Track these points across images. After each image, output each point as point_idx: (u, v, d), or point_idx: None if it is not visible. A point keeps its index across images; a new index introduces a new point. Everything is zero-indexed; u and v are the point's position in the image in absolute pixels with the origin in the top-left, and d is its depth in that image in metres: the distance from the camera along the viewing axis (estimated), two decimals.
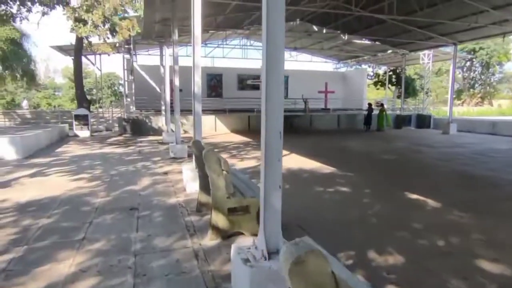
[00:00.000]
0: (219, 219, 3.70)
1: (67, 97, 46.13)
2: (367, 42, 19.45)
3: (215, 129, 17.21)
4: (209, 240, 3.73)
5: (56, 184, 6.34)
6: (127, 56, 18.77)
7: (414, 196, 5.57)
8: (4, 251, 3.49)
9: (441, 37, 16.44)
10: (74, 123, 15.06)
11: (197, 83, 5.85)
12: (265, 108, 2.51)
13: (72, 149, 10.99)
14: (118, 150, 10.76)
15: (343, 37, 19.14)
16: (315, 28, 18.08)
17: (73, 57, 15.82)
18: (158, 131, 15.92)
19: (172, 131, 13.30)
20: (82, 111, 15.18)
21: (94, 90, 53.18)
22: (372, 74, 31.96)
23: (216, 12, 12.62)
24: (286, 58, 27.83)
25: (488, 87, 49.36)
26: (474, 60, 44.65)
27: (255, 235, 3.88)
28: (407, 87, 31.26)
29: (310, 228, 4.06)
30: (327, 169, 7.87)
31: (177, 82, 9.34)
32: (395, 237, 3.93)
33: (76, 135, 14.98)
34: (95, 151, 10.67)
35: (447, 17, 13.42)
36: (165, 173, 7.34)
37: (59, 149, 10.97)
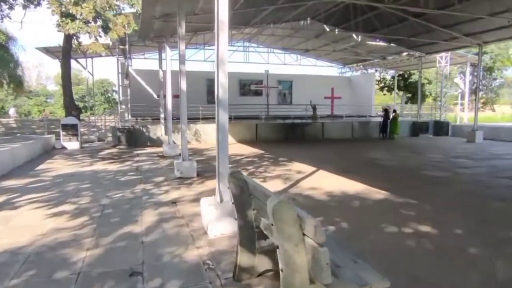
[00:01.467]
0: None
1: (59, 104, 44.99)
2: (381, 43, 18.03)
3: None
4: None
5: (26, 223, 4.63)
6: (122, 59, 17.12)
7: None
8: None
9: (465, 37, 15.06)
10: (62, 133, 13.29)
11: (222, 84, 4.23)
12: None
13: (56, 166, 9.24)
14: (111, 167, 9.03)
15: (356, 38, 17.73)
16: (326, 28, 16.61)
17: (60, 60, 14.12)
18: (156, 142, 14.22)
19: (174, 142, 11.64)
20: (71, 120, 13.43)
21: (87, 97, 51.53)
22: (378, 78, 30.64)
23: None
24: (290, 62, 26.43)
25: (490, 93, 48.52)
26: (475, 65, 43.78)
27: None
28: (416, 92, 30.03)
29: None
30: (377, 193, 6.25)
31: (183, 85, 7.70)
32: None
33: (63, 148, 13.20)
34: (85, 168, 8.93)
35: (481, 12, 12.02)
36: (174, 202, 5.65)
37: (41, 166, 9.21)
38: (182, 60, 7.72)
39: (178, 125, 15.31)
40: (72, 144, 13.31)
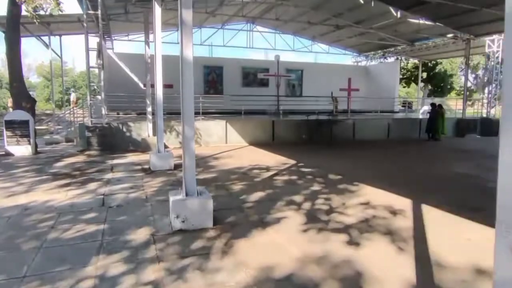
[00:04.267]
0: None
1: (42, 97, 42.32)
2: (425, 22, 14.49)
3: (225, 140, 11.83)
4: None
5: None
6: (95, 37, 13.19)
7: None
8: None
9: None
10: (5, 133, 9.40)
11: None
12: None
13: None
14: (60, 197, 5.26)
15: (395, 14, 14.18)
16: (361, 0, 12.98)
17: (4, 30, 10.14)
18: (141, 145, 10.44)
19: (166, 148, 7.91)
20: (19, 115, 9.52)
21: (72, 89, 47.03)
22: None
23: None
24: (299, 48, 22.74)
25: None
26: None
27: None
28: (441, 85, 26.73)
29: None
30: None
31: (188, 51, 3.97)
32: None
33: (7, 154, 9.30)
34: (12, 200, 5.13)
35: None
36: None
37: None
38: (186, 2, 3.97)
39: (170, 122, 11.65)
40: (22, 149, 9.42)
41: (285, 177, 6.75)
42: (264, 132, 12.35)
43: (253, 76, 21.40)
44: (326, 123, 13.36)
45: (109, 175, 6.89)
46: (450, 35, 15.60)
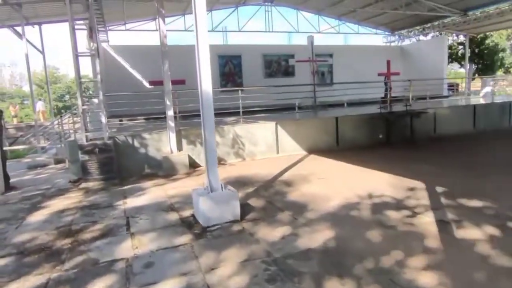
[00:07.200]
0: None
1: None
2: None
3: (277, 150, 8.45)
4: None
5: None
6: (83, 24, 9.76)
7: None
8: None
9: None
10: None
11: None
12: None
13: None
14: None
15: None
16: None
17: None
18: (163, 167, 7.04)
19: (224, 185, 4.50)
20: None
21: (67, 96, 43.31)
22: None
23: None
24: (325, 29, 19.31)
25: None
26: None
27: None
28: (491, 62, 23.27)
29: None
30: None
31: None
32: None
33: None
34: None
35: None
36: None
37: None
38: None
39: (198, 129, 8.31)
40: None
41: (471, 233, 3.40)
42: (326, 134, 8.96)
43: (276, 64, 18.02)
44: (404, 116, 9.95)
45: (127, 247, 3.53)
46: None
